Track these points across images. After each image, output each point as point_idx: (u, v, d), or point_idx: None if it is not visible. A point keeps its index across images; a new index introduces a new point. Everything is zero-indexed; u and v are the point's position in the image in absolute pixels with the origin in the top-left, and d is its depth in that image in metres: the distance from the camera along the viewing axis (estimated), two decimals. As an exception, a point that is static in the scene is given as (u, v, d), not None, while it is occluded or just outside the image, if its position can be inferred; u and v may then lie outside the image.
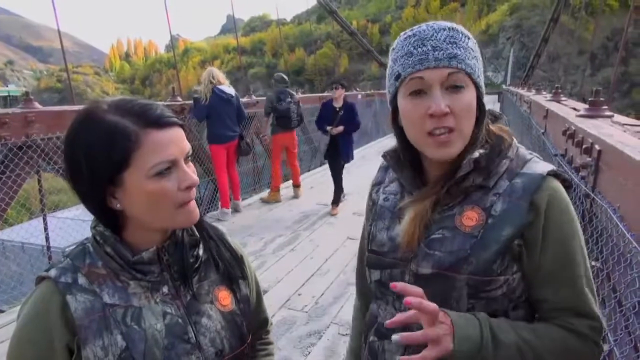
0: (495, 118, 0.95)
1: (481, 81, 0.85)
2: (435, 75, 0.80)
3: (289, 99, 6.05)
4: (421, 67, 0.81)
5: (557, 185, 0.85)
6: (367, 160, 10.02)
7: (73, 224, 6.37)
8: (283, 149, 6.38)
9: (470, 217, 0.85)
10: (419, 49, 0.81)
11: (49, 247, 4.23)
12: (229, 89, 5.32)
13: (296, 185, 6.74)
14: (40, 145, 3.78)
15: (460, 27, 0.85)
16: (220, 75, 5.29)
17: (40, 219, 4.11)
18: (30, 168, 3.79)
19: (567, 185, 0.87)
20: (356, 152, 11.25)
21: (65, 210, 7.43)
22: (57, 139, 3.91)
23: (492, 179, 0.86)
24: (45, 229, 4.06)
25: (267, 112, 6.15)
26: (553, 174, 0.85)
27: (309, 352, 2.76)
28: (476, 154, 0.84)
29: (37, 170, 3.90)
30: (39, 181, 3.97)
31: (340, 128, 5.67)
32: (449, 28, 0.83)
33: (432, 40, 0.81)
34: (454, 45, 0.82)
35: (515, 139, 0.91)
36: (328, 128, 5.68)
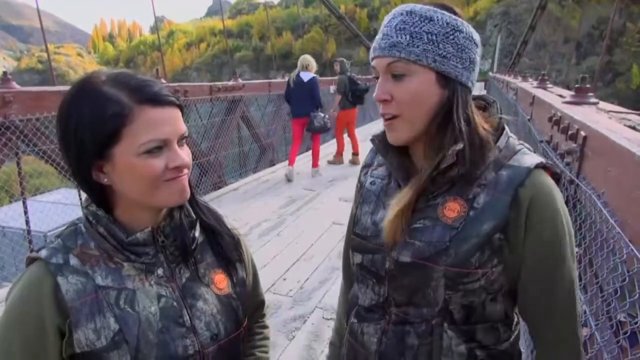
0: (488, 105, 0.92)
1: (445, 65, 0.81)
2: (380, 63, 0.84)
3: (359, 82, 7.46)
4: (373, 54, 0.85)
5: (545, 178, 0.82)
6: (354, 146, 10.03)
7: (54, 208, 6.29)
8: (346, 123, 7.60)
9: (451, 209, 0.84)
10: (378, 36, 0.85)
11: (29, 231, 4.15)
12: (305, 75, 6.26)
13: (356, 154, 7.53)
14: (19, 126, 3.67)
15: (425, 9, 0.82)
16: (309, 63, 6.29)
17: (20, 202, 4.02)
18: (9, 150, 3.67)
19: (557, 178, 0.85)
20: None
21: (46, 194, 7.31)
22: (37, 120, 3.80)
23: (478, 169, 0.83)
24: (26, 212, 3.97)
25: (341, 91, 7.25)
26: (541, 167, 0.83)
27: (294, 337, 2.77)
28: (460, 145, 0.81)
29: (16, 153, 3.79)
30: (18, 164, 3.87)
31: None
32: (406, 12, 0.83)
33: (386, 27, 0.84)
34: (401, 32, 0.81)
35: (507, 129, 0.88)
36: None
